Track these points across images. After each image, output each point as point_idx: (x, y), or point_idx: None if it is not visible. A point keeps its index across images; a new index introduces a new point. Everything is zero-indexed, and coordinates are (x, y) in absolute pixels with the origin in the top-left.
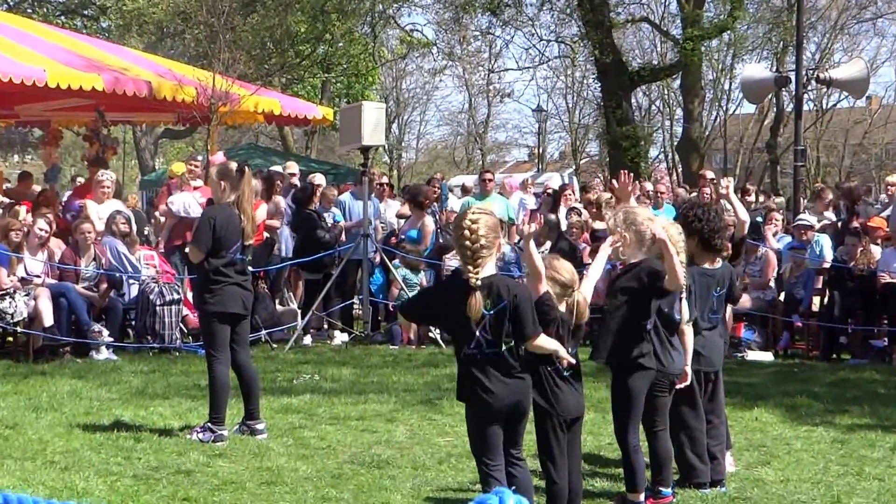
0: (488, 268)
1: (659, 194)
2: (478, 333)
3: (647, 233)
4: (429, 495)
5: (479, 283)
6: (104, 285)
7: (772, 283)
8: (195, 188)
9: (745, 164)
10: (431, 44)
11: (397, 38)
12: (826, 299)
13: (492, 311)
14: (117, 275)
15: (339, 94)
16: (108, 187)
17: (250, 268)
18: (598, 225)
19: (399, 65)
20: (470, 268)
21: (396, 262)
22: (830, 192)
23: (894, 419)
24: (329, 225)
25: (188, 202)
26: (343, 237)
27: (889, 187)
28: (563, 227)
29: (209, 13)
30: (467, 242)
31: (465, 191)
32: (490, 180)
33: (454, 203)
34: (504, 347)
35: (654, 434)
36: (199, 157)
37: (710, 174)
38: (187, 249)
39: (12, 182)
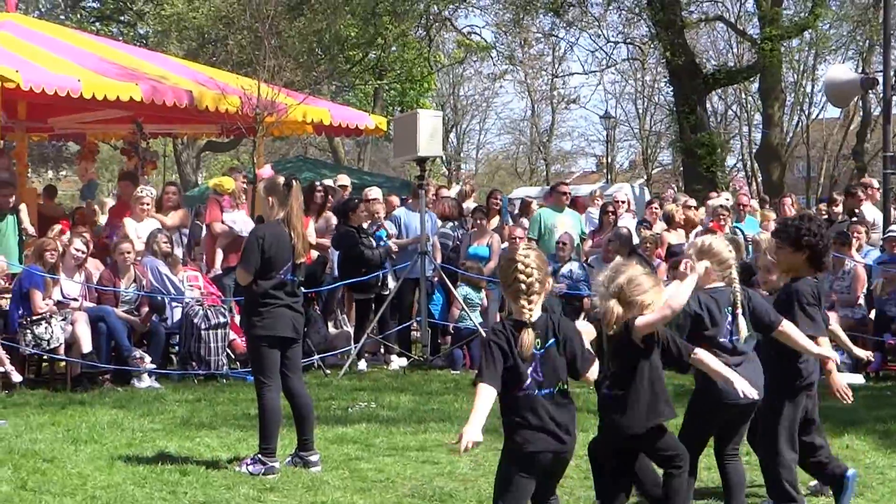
0: (538, 309)
1: (742, 207)
2: (529, 374)
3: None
4: None
5: (533, 320)
6: (145, 308)
7: (861, 300)
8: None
9: (830, 173)
10: (491, 47)
11: (454, 41)
12: None
13: (542, 350)
14: (159, 297)
15: (393, 101)
16: (148, 204)
17: (301, 289)
18: (673, 239)
19: (456, 70)
20: (524, 304)
21: (461, 283)
22: None
23: None
24: (374, 241)
25: (247, 221)
26: (394, 255)
27: None
28: (636, 240)
29: (253, 17)
30: (522, 276)
31: None
32: (566, 193)
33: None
34: (556, 388)
35: (727, 459)
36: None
37: (875, 182)
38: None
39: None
